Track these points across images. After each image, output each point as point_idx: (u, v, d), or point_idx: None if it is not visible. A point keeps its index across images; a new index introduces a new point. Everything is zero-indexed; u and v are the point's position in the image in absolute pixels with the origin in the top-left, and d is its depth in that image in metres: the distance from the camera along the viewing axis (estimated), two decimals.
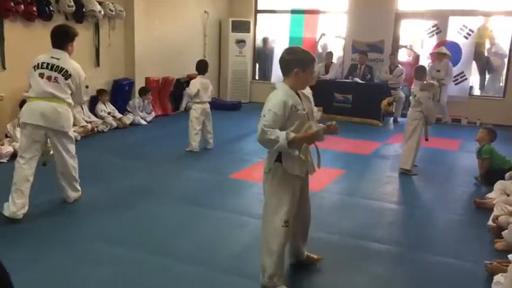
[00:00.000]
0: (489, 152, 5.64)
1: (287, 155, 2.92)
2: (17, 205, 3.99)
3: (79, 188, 4.59)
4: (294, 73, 2.91)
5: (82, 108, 7.67)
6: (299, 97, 2.96)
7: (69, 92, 4.22)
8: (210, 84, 6.86)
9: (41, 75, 4.13)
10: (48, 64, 4.14)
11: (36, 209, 4.25)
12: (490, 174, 5.49)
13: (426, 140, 6.08)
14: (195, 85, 6.70)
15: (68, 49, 4.24)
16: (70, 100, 4.26)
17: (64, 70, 4.15)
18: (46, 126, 4.13)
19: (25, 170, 4.08)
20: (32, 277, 3.15)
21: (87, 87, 4.38)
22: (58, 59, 4.16)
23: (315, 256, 3.51)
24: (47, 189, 4.47)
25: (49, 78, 4.12)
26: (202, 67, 6.85)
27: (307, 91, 3.14)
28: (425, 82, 6.08)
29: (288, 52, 2.98)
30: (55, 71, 4.13)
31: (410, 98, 6.07)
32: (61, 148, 4.29)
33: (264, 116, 2.83)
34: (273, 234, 2.99)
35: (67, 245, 3.67)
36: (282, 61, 2.97)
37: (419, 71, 6.13)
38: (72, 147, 4.40)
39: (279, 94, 2.90)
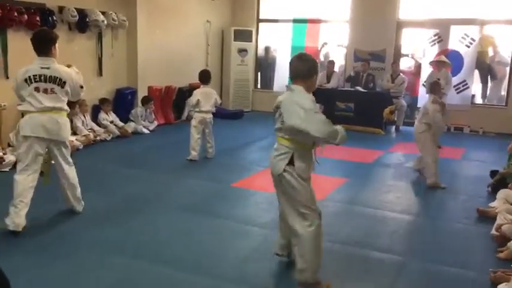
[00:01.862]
0: None
1: (300, 158, 2.99)
2: (21, 217, 3.96)
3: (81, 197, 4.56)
4: (314, 77, 3.05)
5: (85, 117, 7.70)
6: None
7: (66, 98, 4.18)
8: (214, 94, 6.87)
9: (37, 89, 4.02)
10: (40, 76, 4.02)
11: (37, 218, 4.23)
12: (499, 184, 5.43)
13: (439, 147, 6.05)
14: (195, 95, 6.75)
15: (52, 53, 4.11)
16: (66, 107, 4.24)
17: (58, 79, 4.06)
18: (48, 138, 4.10)
19: (29, 182, 4.04)
20: (34, 286, 3.15)
21: (81, 87, 4.28)
22: (48, 68, 4.05)
23: None
24: (48, 199, 4.45)
25: (45, 90, 4.03)
26: (204, 77, 6.90)
27: None
28: (440, 100, 6.05)
29: (303, 59, 3.05)
30: (49, 82, 4.03)
31: (421, 108, 6.03)
32: (61, 158, 4.27)
33: (315, 112, 2.89)
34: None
35: (68, 254, 3.66)
36: (302, 67, 3.02)
37: (434, 85, 6.21)
38: (69, 156, 4.38)
39: (306, 95, 2.98)
